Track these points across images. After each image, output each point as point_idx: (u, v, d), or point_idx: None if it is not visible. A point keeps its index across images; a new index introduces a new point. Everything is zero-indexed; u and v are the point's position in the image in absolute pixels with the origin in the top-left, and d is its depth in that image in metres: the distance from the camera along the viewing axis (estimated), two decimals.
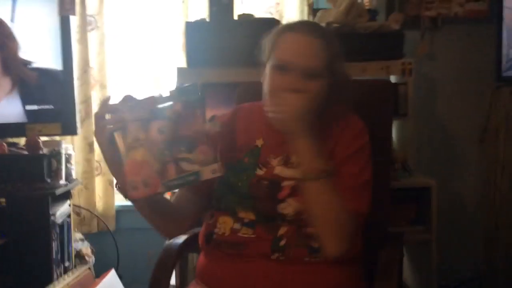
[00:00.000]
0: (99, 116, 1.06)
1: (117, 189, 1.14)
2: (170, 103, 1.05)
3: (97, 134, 1.06)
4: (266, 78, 1.24)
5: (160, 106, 1.05)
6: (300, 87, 1.18)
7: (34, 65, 2.21)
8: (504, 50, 2.32)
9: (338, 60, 1.26)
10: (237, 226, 1.23)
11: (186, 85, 1.07)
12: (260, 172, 1.28)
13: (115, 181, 1.15)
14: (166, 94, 1.06)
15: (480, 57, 2.49)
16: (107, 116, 1.05)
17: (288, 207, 1.21)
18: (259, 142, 1.32)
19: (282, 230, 1.20)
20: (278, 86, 1.20)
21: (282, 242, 1.19)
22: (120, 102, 1.05)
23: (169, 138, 1.04)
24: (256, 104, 1.34)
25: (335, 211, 1.15)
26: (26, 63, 2.21)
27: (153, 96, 1.05)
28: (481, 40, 2.48)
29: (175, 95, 1.06)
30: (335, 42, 1.27)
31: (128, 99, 1.05)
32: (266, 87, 1.24)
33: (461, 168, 2.55)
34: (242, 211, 1.24)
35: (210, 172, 1.05)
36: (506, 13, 2.30)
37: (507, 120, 2.30)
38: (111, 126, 1.04)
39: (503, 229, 2.30)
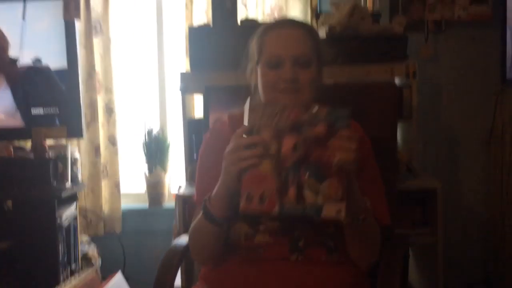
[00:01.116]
0: (237, 148, 1.01)
1: (207, 204, 1.13)
2: (315, 121, 0.96)
3: (231, 166, 1.03)
4: (261, 79, 1.24)
5: (303, 120, 0.96)
6: (295, 76, 1.19)
7: (41, 66, 2.26)
8: (509, 52, 2.32)
9: (321, 45, 1.26)
10: (251, 232, 1.20)
11: (339, 109, 0.97)
12: None
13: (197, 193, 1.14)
14: (313, 110, 0.98)
15: (484, 60, 2.48)
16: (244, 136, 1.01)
17: None
18: None
19: (298, 230, 1.20)
20: (274, 81, 1.21)
21: (301, 243, 1.19)
22: (263, 106, 1.00)
23: (300, 158, 0.96)
24: None
25: (371, 238, 1.19)
26: (15, 60, 2.26)
27: (298, 110, 0.97)
28: (485, 43, 2.48)
29: (323, 115, 0.96)
30: (316, 32, 1.30)
31: (272, 104, 1.00)
32: (262, 87, 1.24)
33: (466, 170, 2.54)
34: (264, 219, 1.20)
35: (334, 211, 0.94)
36: (509, 16, 2.30)
37: None
38: (246, 161, 0.99)
39: (509, 230, 2.28)
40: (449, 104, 2.53)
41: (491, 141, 2.41)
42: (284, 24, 1.27)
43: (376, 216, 1.21)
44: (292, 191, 0.96)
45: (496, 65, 2.38)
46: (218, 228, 1.15)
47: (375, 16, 2.17)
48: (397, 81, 2.18)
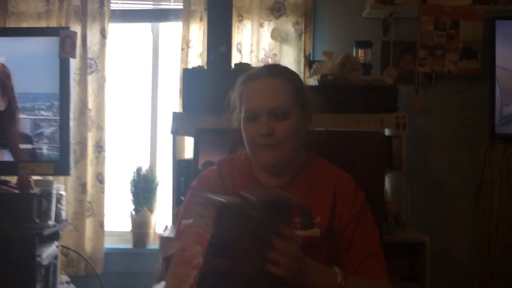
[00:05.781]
0: None
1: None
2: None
3: None
4: (243, 131, 1.26)
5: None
6: (271, 130, 1.19)
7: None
8: (497, 108, 2.36)
9: (304, 92, 1.26)
10: None
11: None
12: None
13: None
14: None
15: (473, 114, 2.52)
16: None
17: None
18: None
19: None
20: (252, 135, 1.22)
21: None
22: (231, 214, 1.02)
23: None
24: (237, 158, 1.34)
25: None
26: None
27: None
28: (474, 97, 2.52)
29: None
30: (295, 76, 1.29)
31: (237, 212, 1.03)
32: (245, 139, 1.26)
33: (455, 223, 2.52)
34: None
35: None
36: (498, 72, 2.35)
37: (501, 177, 2.30)
38: None
39: (498, 284, 2.25)
40: (438, 157, 2.54)
41: (480, 195, 2.40)
42: (261, 74, 1.25)
43: (369, 274, 1.19)
44: None
45: (485, 119, 2.41)
46: None
47: (366, 67, 2.21)
48: (387, 131, 2.21)
